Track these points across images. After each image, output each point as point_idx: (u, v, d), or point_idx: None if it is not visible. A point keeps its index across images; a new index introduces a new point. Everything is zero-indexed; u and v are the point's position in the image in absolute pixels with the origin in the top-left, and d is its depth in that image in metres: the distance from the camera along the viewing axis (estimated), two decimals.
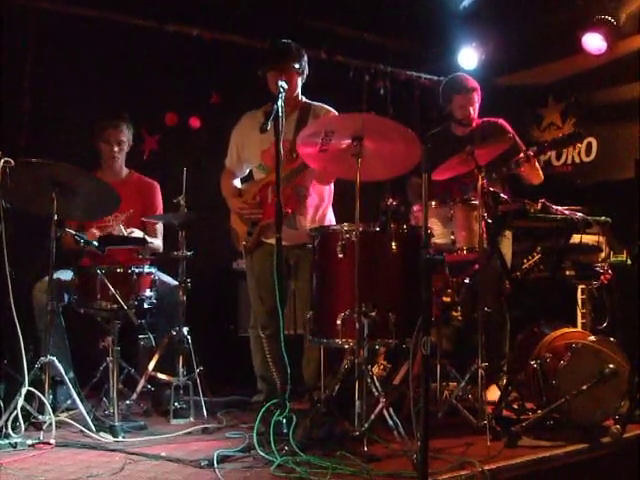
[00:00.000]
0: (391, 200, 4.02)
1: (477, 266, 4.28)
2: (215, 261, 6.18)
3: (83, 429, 3.93)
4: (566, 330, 4.32)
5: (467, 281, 4.47)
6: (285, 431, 3.54)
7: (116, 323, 4.31)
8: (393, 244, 3.89)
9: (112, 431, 3.93)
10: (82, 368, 4.59)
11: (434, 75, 7.45)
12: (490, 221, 4.25)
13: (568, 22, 6.32)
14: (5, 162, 3.86)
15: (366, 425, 3.63)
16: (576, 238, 4.79)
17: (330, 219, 4.70)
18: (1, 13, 5.08)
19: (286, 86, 3.98)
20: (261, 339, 4.60)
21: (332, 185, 4.72)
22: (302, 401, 4.50)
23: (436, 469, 3.22)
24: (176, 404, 4.42)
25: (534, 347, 4.26)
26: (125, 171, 5.24)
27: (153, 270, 4.60)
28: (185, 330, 4.52)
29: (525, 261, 5.21)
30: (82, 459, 3.53)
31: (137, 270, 4.45)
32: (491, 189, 4.44)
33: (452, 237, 4.30)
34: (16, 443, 3.67)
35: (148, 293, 4.52)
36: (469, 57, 7.00)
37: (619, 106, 6.24)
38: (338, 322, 3.82)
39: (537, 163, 4.94)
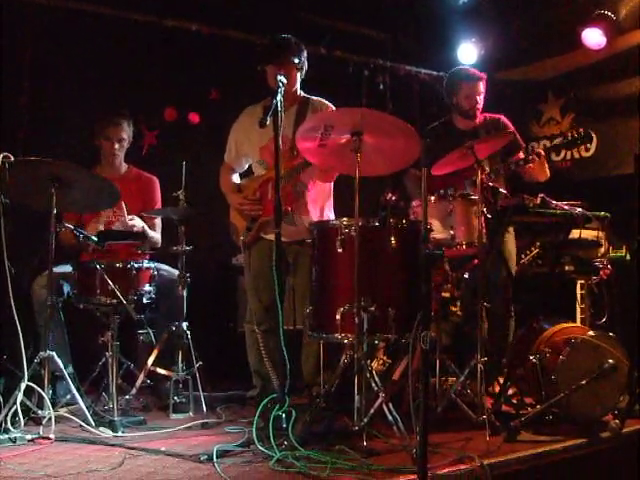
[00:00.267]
0: (390, 195, 4.02)
1: (476, 261, 4.28)
2: (214, 256, 6.18)
3: (82, 424, 3.93)
4: (565, 325, 4.32)
5: (466, 276, 4.48)
6: (284, 426, 3.54)
7: (115, 318, 4.31)
8: (392, 239, 3.88)
9: (111, 426, 3.93)
10: (81, 363, 4.59)
11: (433, 70, 7.44)
12: (489, 216, 4.25)
13: (568, 17, 6.33)
14: (4, 157, 3.85)
15: (365, 420, 3.63)
16: (575, 233, 4.81)
17: (329, 216, 4.69)
18: None
19: (285, 81, 3.97)
20: (256, 334, 4.59)
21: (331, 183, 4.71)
22: (301, 396, 4.50)
23: (435, 464, 3.22)
24: (175, 399, 4.43)
25: (533, 342, 4.26)
26: (124, 166, 5.24)
27: (152, 265, 4.60)
28: (184, 325, 4.53)
29: (523, 256, 5.24)
30: (81, 454, 3.53)
31: (136, 265, 4.45)
32: (490, 184, 4.45)
33: (451, 232, 4.29)
34: (15, 438, 3.68)
35: (147, 288, 4.51)
36: (468, 52, 6.99)
37: (619, 101, 6.24)
38: (337, 317, 3.82)
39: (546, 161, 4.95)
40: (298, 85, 4.61)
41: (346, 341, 3.88)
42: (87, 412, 3.98)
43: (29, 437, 3.72)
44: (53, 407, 3.90)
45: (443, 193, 4.47)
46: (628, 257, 5.10)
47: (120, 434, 3.88)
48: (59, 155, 4.09)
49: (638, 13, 6.00)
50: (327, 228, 4.03)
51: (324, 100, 4.65)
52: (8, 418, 3.74)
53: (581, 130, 4.79)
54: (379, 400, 3.68)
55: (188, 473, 3.22)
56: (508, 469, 3.40)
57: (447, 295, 4.52)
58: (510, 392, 4.38)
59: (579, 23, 6.13)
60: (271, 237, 4.01)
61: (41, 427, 3.80)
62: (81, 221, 4.85)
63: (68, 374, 4.09)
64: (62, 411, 4.08)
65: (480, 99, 5.15)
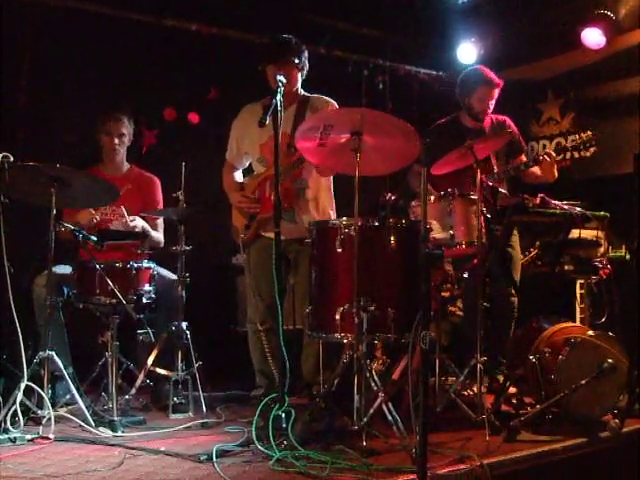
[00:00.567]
0: (390, 195, 4.02)
1: (476, 260, 4.28)
2: (214, 256, 6.18)
3: (82, 424, 3.93)
4: (565, 325, 4.32)
5: (466, 275, 4.48)
6: (284, 425, 3.55)
7: (115, 318, 4.30)
8: (392, 239, 3.88)
9: (111, 426, 3.93)
10: (81, 363, 4.59)
11: (433, 70, 7.46)
12: (489, 216, 4.25)
13: (567, 17, 6.33)
14: (4, 157, 3.85)
15: (365, 420, 3.63)
16: (575, 233, 4.81)
17: (330, 213, 4.70)
18: None
19: (285, 80, 3.97)
20: (259, 333, 4.60)
21: (331, 179, 4.71)
22: (301, 396, 4.51)
23: (435, 463, 3.23)
24: (175, 399, 4.42)
25: (533, 342, 4.26)
26: (126, 166, 5.23)
27: (152, 265, 4.59)
28: (184, 325, 4.52)
29: (522, 257, 5.26)
30: (81, 454, 3.53)
31: (136, 265, 4.44)
32: (490, 184, 4.45)
33: (451, 232, 4.29)
34: (15, 438, 3.67)
35: (147, 288, 4.51)
36: (468, 52, 7.01)
37: (618, 101, 6.24)
38: (337, 317, 3.81)
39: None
40: (299, 85, 4.62)
41: (345, 341, 3.88)
42: (87, 412, 3.97)
43: (29, 437, 3.71)
44: (53, 407, 3.90)
45: (444, 193, 4.48)
46: (628, 257, 5.10)
47: (120, 434, 3.88)
48: (59, 154, 4.09)
49: (637, 13, 6.00)
50: (326, 228, 4.03)
51: (323, 97, 4.65)
52: (8, 418, 3.73)
53: (590, 132, 4.82)
54: (379, 400, 3.68)
55: (188, 473, 3.22)
56: (508, 469, 3.39)
57: (447, 295, 4.53)
58: (510, 392, 4.37)
59: (579, 23, 6.13)
60: (270, 235, 4.01)
61: (41, 427, 3.79)
62: (75, 213, 4.81)
63: (68, 374, 4.09)
64: (62, 411, 4.08)
65: (492, 103, 5.16)
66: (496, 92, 5.15)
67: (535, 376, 4.08)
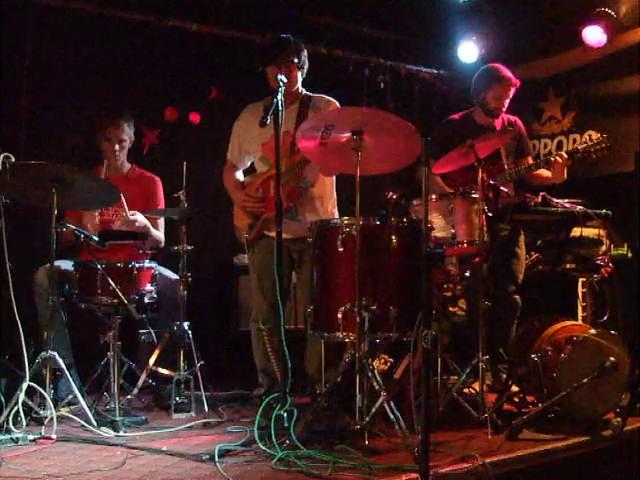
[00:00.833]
0: (391, 194, 4.01)
1: (477, 259, 4.28)
2: (216, 256, 6.19)
3: (84, 424, 3.93)
4: (567, 323, 4.32)
5: (467, 274, 4.48)
6: (286, 425, 3.54)
7: (117, 318, 4.31)
8: (393, 238, 3.88)
9: (113, 426, 3.93)
10: (83, 363, 4.60)
11: (434, 69, 7.45)
12: (490, 214, 4.25)
13: (568, 15, 6.32)
14: (5, 158, 3.85)
15: (367, 419, 3.63)
16: (577, 231, 4.81)
17: (333, 212, 4.70)
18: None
19: (285, 80, 3.97)
20: (262, 332, 4.60)
21: (334, 178, 4.71)
22: (304, 394, 4.51)
23: (437, 462, 3.23)
24: (177, 399, 4.42)
25: (535, 340, 4.26)
26: (127, 166, 5.23)
27: (153, 265, 4.60)
28: (186, 325, 4.52)
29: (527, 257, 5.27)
30: (83, 454, 3.53)
31: (137, 265, 4.45)
32: (491, 182, 4.45)
33: (452, 230, 4.29)
34: (17, 438, 3.68)
35: (149, 288, 4.51)
36: (469, 51, 7.00)
37: (620, 99, 6.24)
38: (339, 316, 3.82)
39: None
40: (299, 83, 4.62)
41: (347, 340, 3.88)
42: (89, 412, 3.97)
43: (31, 437, 3.71)
44: (55, 407, 3.89)
45: (447, 192, 4.49)
46: (629, 255, 5.10)
47: (122, 434, 3.88)
48: (60, 155, 4.10)
49: (638, 11, 5.99)
50: (328, 227, 4.03)
51: (326, 96, 4.65)
52: (10, 418, 3.74)
53: (605, 136, 4.84)
54: (381, 399, 3.68)
55: (190, 472, 3.23)
56: (510, 467, 3.39)
57: (449, 294, 4.52)
58: (512, 390, 4.37)
59: (579, 21, 6.12)
60: (274, 234, 4.00)
61: (43, 427, 3.80)
62: (81, 216, 4.83)
63: (70, 374, 4.09)
64: (64, 411, 4.10)
65: (507, 102, 5.18)
66: (512, 91, 5.17)
67: (537, 375, 4.08)
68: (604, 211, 4.85)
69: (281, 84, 3.90)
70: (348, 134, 3.80)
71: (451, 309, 4.71)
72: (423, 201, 3.22)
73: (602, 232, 4.88)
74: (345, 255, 3.85)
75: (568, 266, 4.83)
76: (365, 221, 3.85)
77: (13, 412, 3.75)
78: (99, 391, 4.46)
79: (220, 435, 3.90)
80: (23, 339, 3.87)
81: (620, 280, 4.74)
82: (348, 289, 3.80)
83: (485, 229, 4.15)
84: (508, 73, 5.15)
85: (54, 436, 3.74)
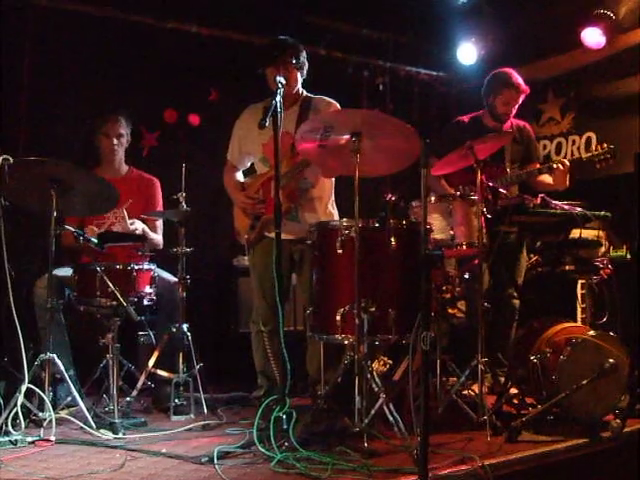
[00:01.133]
0: (390, 196, 4.01)
1: (476, 261, 4.28)
2: (215, 258, 6.18)
3: (83, 426, 3.92)
4: (566, 325, 4.32)
5: (466, 276, 4.48)
6: (285, 427, 3.54)
7: (116, 320, 4.30)
8: (392, 240, 3.88)
9: (112, 428, 3.93)
10: (82, 365, 4.60)
11: (433, 71, 7.45)
12: (489, 216, 4.26)
13: (567, 17, 6.32)
14: (4, 159, 3.85)
15: (366, 421, 3.63)
16: (576, 233, 4.80)
17: (333, 213, 4.70)
18: None
19: (284, 82, 3.98)
20: (262, 334, 4.60)
21: (333, 179, 4.72)
22: (302, 397, 4.51)
23: (436, 464, 3.23)
24: (176, 401, 4.42)
25: (534, 342, 4.26)
26: (125, 168, 5.23)
27: (153, 267, 4.60)
28: (185, 327, 4.52)
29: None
30: (82, 456, 3.53)
31: (136, 267, 4.44)
32: (490, 184, 4.46)
33: (451, 232, 4.29)
34: (16, 440, 3.67)
35: (148, 290, 4.51)
36: (468, 52, 7.01)
37: (619, 101, 6.24)
38: (338, 318, 3.82)
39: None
40: (299, 85, 4.62)
41: (347, 342, 3.88)
42: (88, 414, 3.97)
43: (30, 439, 3.71)
44: (54, 409, 3.89)
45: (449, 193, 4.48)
46: (629, 256, 5.10)
47: (121, 436, 3.88)
48: (59, 157, 4.08)
49: (637, 12, 6.00)
50: (327, 229, 4.03)
51: (326, 98, 4.65)
52: (9, 420, 3.73)
53: (610, 146, 4.86)
54: (380, 401, 3.68)
55: (189, 475, 3.23)
56: (509, 469, 3.39)
57: (448, 296, 4.52)
58: (511, 392, 4.37)
59: (579, 23, 6.12)
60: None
61: (42, 429, 3.80)
62: (82, 223, 4.84)
63: (69, 376, 4.09)
64: (63, 413, 4.08)
65: (515, 108, 5.21)
66: (521, 98, 5.21)
67: (536, 376, 4.08)
68: (603, 213, 4.85)
69: (280, 86, 3.91)
70: (347, 136, 3.80)
71: (450, 311, 4.70)
72: (422, 203, 3.21)
73: (601, 234, 4.88)
74: (344, 257, 3.85)
75: (567, 268, 4.82)
76: (364, 223, 3.85)
77: (12, 414, 3.74)
78: (98, 393, 4.46)
79: (219, 437, 3.90)
80: (22, 341, 3.87)
81: (619, 282, 4.74)
82: (347, 291, 3.80)
83: (484, 231, 4.15)
84: (519, 80, 5.17)
85: (53, 438, 3.74)
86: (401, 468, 3.22)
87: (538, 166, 5.23)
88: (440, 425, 3.90)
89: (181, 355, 4.49)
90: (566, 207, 4.70)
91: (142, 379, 4.52)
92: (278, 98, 3.82)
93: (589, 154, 5.03)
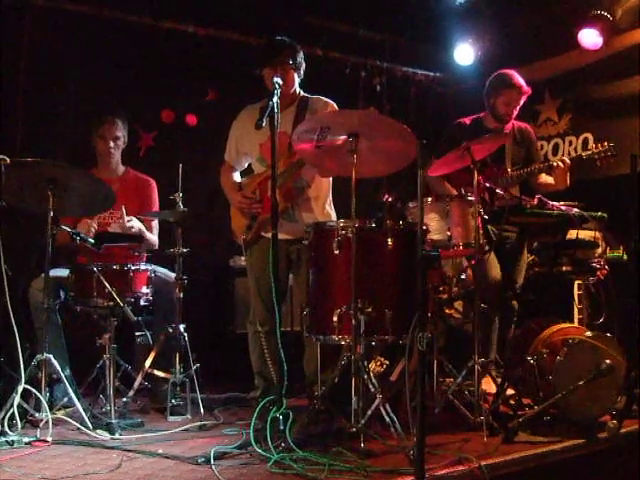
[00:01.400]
0: (387, 196, 4.01)
1: (473, 262, 4.28)
2: (212, 258, 6.18)
3: (80, 426, 3.92)
4: (563, 325, 4.32)
5: (463, 277, 4.48)
6: (282, 427, 3.53)
7: (113, 320, 4.29)
8: (389, 240, 3.88)
9: (109, 428, 3.92)
10: (79, 365, 4.59)
11: (430, 71, 7.46)
12: (486, 217, 4.26)
13: (564, 17, 6.33)
14: (0, 160, 3.85)
15: (363, 421, 3.63)
16: (572, 233, 4.81)
17: (330, 213, 4.69)
18: None
19: (281, 82, 3.98)
20: (259, 335, 4.60)
21: (330, 180, 4.72)
22: (299, 397, 4.51)
23: (433, 465, 3.22)
24: (173, 401, 4.42)
25: (531, 343, 4.25)
26: (121, 168, 5.23)
27: (149, 267, 4.59)
28: (182, 327, 4.52)
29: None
30: (79, 456, 3.53)
31: (133, 267, 4.44)
32: (487, 185, 4.46)
33: (448, 233, 4.29)
34: (13, 441, 3.67)
35: (144, 290, 4.51)
36: (465, 53, 7.01)
37: (615, 102, 6.25)
38: (334, 318, 3.81)
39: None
40: (296, 85, 4.61)
41: (343, 343, 3.88)
42: (84, 415, 3.97)
43: (26, 440, 3.71)
44: (50, 410, 3.90)
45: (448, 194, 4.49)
46: (625, 257, 5.10)
47: (117, 436, 3.88)
48: (56, 157, 4.09)
49: (634, 13, 6.00)
50: (324, 229, 4.02)
51: (323, 98, 4.65)
52: (5, 421, 3.73)
53: (611, 144, 4.87)
54: (376, 401, 3.68)
55: (185, 475, 3.22)
56: (506, 470, 3.39)
57: (445, 296, 4.52)
58: (508, 393, 4.37)
59: (576, 23, 6.13)
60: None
61: (38, 430, 3.79)
62: (76, 221, 4.83)
63: (65, 376, 4.09)
64: (59, 414, 4.09)
65: (516, 109, 5.21)
66: (523, 99, 5.21)
67: (533, 377, 4.08)
68: (600, 213, 4.86)
69: (277, 86, 3.91)
70: (344, 137, 3.80)
71: (447, 311, 4.70)
72: (418, 203, 3.21)
73: (598, 234, 4.88)
74: (341, 257, 3.85)
75: (564, 268, 4.82)
76: (361, 223, 3.85)
77: (8, 415, 3.74)
78: (95, 393, 4.47)
79: (216, 438, 3.90)
80: (19, 342, 3.86)
81: (616, 282, 4.74)
82: (344, 291, 3.79)
83: (481, 231, 4.15)
84: (520, 81, 5.18)
85: (49, 439, 3.74)
86: (398, 469, 3.21)
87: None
88: (437, 426, 3.90)
89: (178, 355, 4.49)
90: (563, 208, 4.71)
91: (139, 379, 4.52)
92: (275, 98, 3.82)
93: (589, 151, 5.04)
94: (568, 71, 6.61)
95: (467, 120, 5.34)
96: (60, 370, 4.04)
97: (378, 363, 4.75)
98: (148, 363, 4.51)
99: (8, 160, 3.87)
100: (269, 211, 3.79)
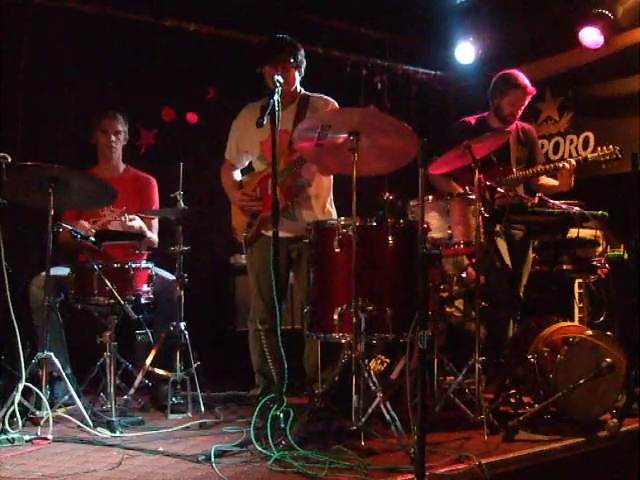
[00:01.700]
0: (388, 194, 4.01)
1: (474, 260, 4.28)
2: (212, 256, 6.18)
3: (81, 424, 3.92)
4: (563, 324, 4.32)
5: (464, 275, 4.48)
6: (282, 426, 3.54)
7: (113, 318, 4.31)
8: (390, 239, 3.87)
9: (109, 426, 3.92)
10: (80, 363, 4.59)
11: (431, 70, 7.46)
12: (487, 215, 4.26)
13: (565, 16, 6.33)
14: (1, 158, 3.85)
15: (363, 420, 3.62)
16: (573, 232, 4.81)
17: (331, 211, 4.70)
18: None
19: (282, 80, 3.98)
20: (259, 333, 4.60)
21: (331, 178, 4.72)
22: (301, 395, 4.51)
23: (433, 463, 3.22)
24: (173, 399, 4.42)
25: (532, 341, 4.26)
26: (122, 166, 5.23)
27: (150, 265, 4.59)
28: (182, 325, 4.52)
29: None
30: (79, 454, 3.53)
31: (134, 265, 4.44)
32: (488, 183, 4.46)
33: (449, 231, 4.28)
34: (13, 438, 3.67)
35: (145, 288, 4.52)
36: (466, 51, 7.01)
37: (616, 100, 6.25)
38: (335, 317, 3.81)
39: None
40: (297, 83, 4.62)
41: (344, 341, 3.87)
42: (85, 412, 3.97)
43: (27, 438, 3.71)
44: (51, 408, 3.89)
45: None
46: (626, 256, 5.10)
47: (118, 434, 3.87)
48: (56, 156, 4.09)
49: (635, 12, 6.00)
50: (325, 228, 4.02)
51: (324, 96, 4.65)
52: (6, 419, 3.73)
53: (617, 148, 4.87)
54: (377, 400, 3.68)
55: (186, 473, 3.22)
56: (506, 468, 3.39)
57: (445, 294, 4.52)
58: (508, 391, 4.37)
59: (577, 22, 6.13)
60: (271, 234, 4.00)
61: (39, 428, 3.80)
62: (79, 217, 4.83)
63: (66, 374, 4.08)
64: (60, 412, 4.09)
65: (521, 109, 5.23)
66: (528, 99, 5.22)
67: (534, 376, 4.08)
68: (600, 212, 4.85)
69: (277, 84, 3.91)
70: (345, 135, 3.80)
71: (448, 310, 4.71)
72: (419, 201, 3.21)
73: (599, 233, 4.88)
74: (342, 256, 3.84)
75: (565, 267, 4.82)
76: (362, 222, 3.84)
77: (9, 413, 3.74)
78: (95, 391, 4.47)
79: (216, 436, 3.89)
80: (19, 339, 3.86)
81: (616, 281, 4.75)
82: (345, 290, 3.78)
83: (482, 230, 4.15)
84: (525, 81, 5.18)
85: (50, 437, 3.74)
86: (398, 467, 3.21)
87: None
88: (437, 424, 3.90)
89: (178, 353, 4.49)
90: (564, 206, 4.70)
91: (139, 377, 4.52)
92: (276, 97, 3.82)
93: (595, 154, 5.05)
94: (569, 70, 6.61)
95: (472, 119, 5.34)
96: (61, 368, 4.04)
97: (379, 361, 4.76)
98: (149, 361, 4.51)
99: (9, 158, 3.87)
100: (270, 209, 3.79)
